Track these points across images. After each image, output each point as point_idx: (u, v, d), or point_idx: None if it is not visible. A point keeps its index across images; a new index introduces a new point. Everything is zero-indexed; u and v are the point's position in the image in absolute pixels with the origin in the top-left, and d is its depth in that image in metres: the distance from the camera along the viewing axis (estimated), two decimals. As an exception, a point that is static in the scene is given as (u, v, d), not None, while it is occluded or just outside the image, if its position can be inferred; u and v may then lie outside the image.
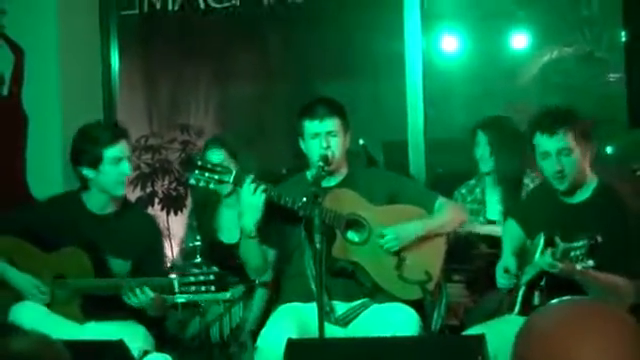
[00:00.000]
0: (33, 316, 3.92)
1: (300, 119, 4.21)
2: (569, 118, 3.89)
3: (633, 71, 5.56)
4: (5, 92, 6.02)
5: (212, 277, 3.91)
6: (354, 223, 4.14)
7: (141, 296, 3.98)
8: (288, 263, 4.25)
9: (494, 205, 5.06)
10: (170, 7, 6.45)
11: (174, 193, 6.34)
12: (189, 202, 5.69)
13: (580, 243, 3.50)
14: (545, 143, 3.87)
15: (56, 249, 4.13)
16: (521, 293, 3.93)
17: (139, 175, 6.17)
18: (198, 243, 4.19)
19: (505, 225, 4.36)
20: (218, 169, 4.08)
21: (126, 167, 4.18)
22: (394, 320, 3.93)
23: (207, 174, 4.05)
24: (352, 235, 4.14)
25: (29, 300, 4.08)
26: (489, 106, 6.24)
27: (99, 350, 3.49)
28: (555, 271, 3.64)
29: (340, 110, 4.21)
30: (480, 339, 3.31)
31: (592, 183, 3.94)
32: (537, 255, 3.83)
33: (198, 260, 4.07)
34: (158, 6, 6.46)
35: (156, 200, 6.31)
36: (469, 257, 5.06)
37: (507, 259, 4.07)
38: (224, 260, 4.36)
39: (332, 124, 4.15)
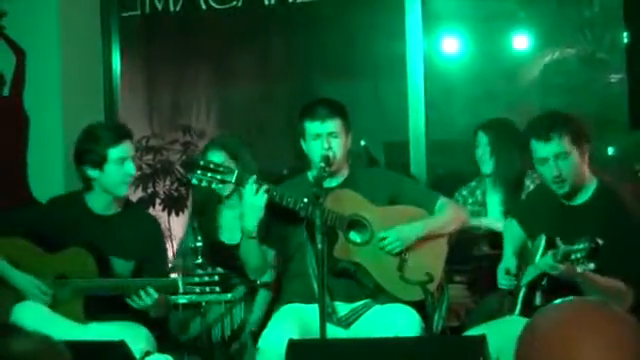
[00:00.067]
0: (35, 316, 3.92)
1: (301, 120, 4.21)
2: (563, 122, 3.87)
3: (634, 72, 5.55)
4: (6, 93, 6.02)
5: (217, 278, 3.93)
6: (356, 224, 4.13)
7: (146, 298, 3.99)
8: (290, 264, 4.25)
9: (495, 206, 5.06)
10: (171, 8, 6.45)
11: (175, 194, 6.34)
12: (190, 203, 5.68)
13: (581, 246, 3.50)
14: (541, 149, 3.86)
15: (59, 249, 4.13)
16: (522, 294, 3.93)
17: (140, 176, 6.17)
18: (199, 244, 4.19)
19: (506, 226, 4.36)
20: (220, 169, 4.08)
21: (130, 167, 4.20)
22: (395, 321, 3.93)
23: (209, 174, 4.05)
24: (354, 236, 4.13)
25: (31, 300, 4.07)
26: (490, 107, 6.24)
27: (101, 351, 3.48)
28: (556, 273, 3.65)
29: (341, 111, 4.21)
30: (481, 340, 3.30)
31: (592, 184, 3.93)
32: (538, 256, 3.84)
33: (199, 261, 4.07)
34: (159, 7, 6.46)
35: (157, 201, 6.31)
36: (470, 258, 5.06)
37: (508, 260, 4.07)
38: (225, 261, 4.36)
39: (333, 125, 4.14)
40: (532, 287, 3.89)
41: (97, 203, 4.24)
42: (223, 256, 4.55)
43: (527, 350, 1.69)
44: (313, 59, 7.11)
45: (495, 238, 4.73)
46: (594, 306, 1.72)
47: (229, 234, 4.78)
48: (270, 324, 4.02)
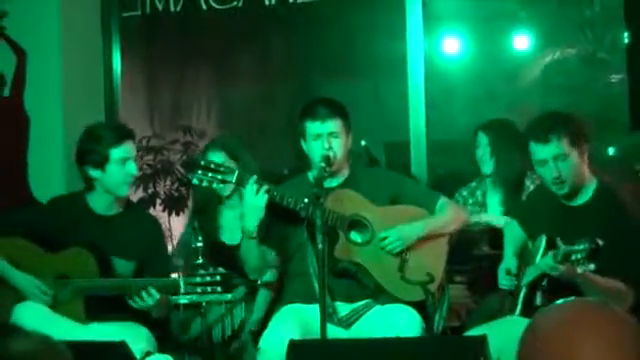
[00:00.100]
0: (35, 316, 3.92)
1: (302, 120, 4.20)
2: (562, 123, 3.86)
3: (635, 72, 5.55)
4: (7, 93, 6.02)
5: (218, 278, 3.93)
6: (356, 224, 4.13)
7: (148, 299, 3.99)
8: (290, 264, 4.25)
9: (495, 207, 5.07)
10: (172, 8, 6.45)
11: (176, 194, 6.34)
12: (191, 203, 5.68)
13: (581, 247, 3.50)
14: (540, 151, 3.85)
15: (60, 249, 4.14)
16: (522, 294, 3.93)
17: (141, 176, 6.17)
18: (200, 244, 4.19)
19: (507, 226, 4.36)
20: (221, 169, 4.07)
21: (132, 167, 4.20)
22: (396, 321, 3.93)
23: (210, 174, 4.05)
24: (355, 236, 4.13)
25: (31, 300, 4.07)
26: (491, 107, 6.25)
27: (101, 351, 3.48)
28: (556, 274, 3.64)
29: (342, 111, 4.21)
30: (482, 340, 3.30)
31: (592, 185, 3.93)
32: (538, 257, 3.84)
33: (200, 261, 4.06)
34: (160, 7, 6.45)
35: (158, 201, 6.31)
36: (471, 258, 5.06)
37: (509, 260, 4.07)
38: (225, 261, 4.35)
39: (334, 125, 4.14)
40: (533, 287, 3.89)
41: (98, 203, 4.24)
42: (224, 256, 4.55)
43: (529, 350, 1.69)
44: (314, 59, 7.11)
45: (495, 238, 4.73)
46: (595, 306, 1.72)
47: (230, 234, 4.78)
48: (271, 324, 4.02)
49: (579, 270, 3.51)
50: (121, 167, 4.16)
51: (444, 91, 6.42)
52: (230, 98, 7.15)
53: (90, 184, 4.22)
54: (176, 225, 6.07)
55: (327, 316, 3.72)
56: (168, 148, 6.50)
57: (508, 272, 4.00)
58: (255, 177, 4.03)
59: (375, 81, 6.95)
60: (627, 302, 3.65)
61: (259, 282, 4.59)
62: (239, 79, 7.09)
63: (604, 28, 6.30)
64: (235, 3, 6.32)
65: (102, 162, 4.14)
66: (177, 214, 6.25)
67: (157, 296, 3.99)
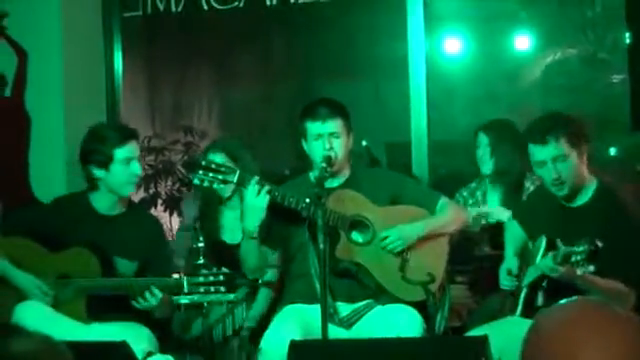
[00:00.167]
0: (36, 316, 3.92)
1: (302, 120, 4.20)
2: (560, 124, 3.86)
3: (636, 72, 5.55)
4: (8, 93, 6.03)
5: (222, 278, 3.94)
6: (358, 224, 4.13)
7: (151, 299, 3.99)
8: (292, 264, 4.25)
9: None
10: (173, 8, 6.45)
11: (177, 194, 6.35)
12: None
13: (581, 248, 3.49)
14: (539, 152, 3.85)
15: (63, 249, 4.14)
16: (523, 294, 3.93)
17: (142, 176, 6.17)
18: (201, 244, 4.19)
19: (507, 226, 4.36)
20: (222, 169, 4.07)
21: (136, 167, 4.21)
22: (397, 322, 3.93)
23: (211, 174, 4.05)
24: (356, 236, 4.13)
25: (32, 300, 4.08)
26: (492, 108, 6.25)
27: (102, 351, 3.49)
28: (555, 275, 3.64)
29: (342, 111, 4.20)
30: (483, 340, 3.30)
31: (592, 185, 3.92)
32: (539, 257, 3.84)
33: (201, 261, 4.07)
34: (161, 7, 6.46)
35: (159, 201, 6.32)
36: (472, 258, 5.06)
37: (510, 260, 4.07)
38: (227, 261, 4.35)
39: (335, 125, 4.14)
40: (533, 288, 3.88)
41: (102, 203, 4.25)
42: (225, 256, 4.55)
43: (532, 350, 1.69)
44: (315, 60, 7.11)
45: (496, 238, 4.73)
46: (597, 306, 1.72)
47: (231, 234, 4.78)
48: (272, 325, 4.02)
49: (579, 271, 3.51)
50: (125, 167, 4.17)
51: (445, 91, 6.42)
52: (231, 98, 7.15)
53: (93, 184, 4.23)
54: (177, 225, 6.07)
55: (328, 316, 3.72)
56: (169, 148, 6.51)
57: (509, 272, 4.00)
58: (257, 178, 4.03)
59: (376, 81, 6.95)
60: (629, 303, 3.64)
61: (260, 282, 4.60)
62: (240, 79, 7.09)
63: (605, 28, 6.30)
64: (236, 3, 6.32)
65: (106, 162, 4.15)
66: (178, 214, 6.26)
67: (160, 296, 3.99)
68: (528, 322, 1.81)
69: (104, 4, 6.39)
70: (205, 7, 6.39)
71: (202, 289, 3.96)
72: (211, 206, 4.87)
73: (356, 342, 3.87)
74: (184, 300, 4.08)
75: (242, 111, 7.14)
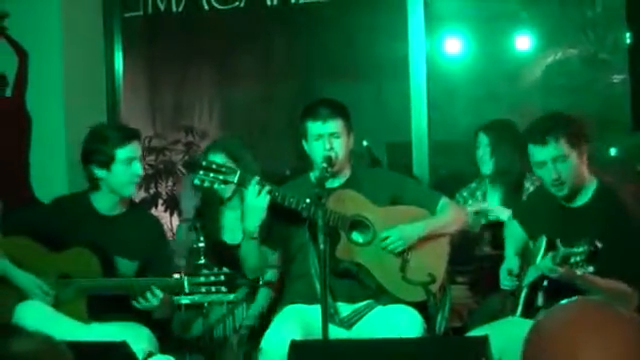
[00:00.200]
0: (37, 316, 3.92)
1: (303, 120, 4.20)
2: (560, 124, 3.85)
3: (637, 73, 5.55)
4: (9, 93, 6.03)
5: (223, 278, 3.94)
6: (358, 224, 4.13)
7: (152, 299, 4.00)
8: (292, 264, 4.25)
9: (495, 208, 5.06)
10: (174, 9, 6.45)
11: (177, 194, 6.35)
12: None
13: (580, 249, 3.49)
14: (538, 153, 3.84)
15: (64, 249, 4.14)
16: (524, 295, 3.93)
17: (143, 176, 6.18)
18: (202, 244, 4.20)
19: (508, 226, 4.36)
20: (223, 169, 4.07)
21: (138, 168, 4.22)
22: (398, 322, 3.93)
23: (212, 174, 4.05)
24: (356, 236, 4.13)
25: (33, 299, 4.08)
26: (492, 108, 6.25)
27: (103, 351, 3.49)
28: (555, 276, 3.64)
29: (343, 111, 4.20)
30: (484, 340, 3.30)
31: (592, 185, 3.92)
32: (539, 257, 3.83)
33: (202, 261, 4.07)
34: (162, 8, 6.46)
35: (159, 201, 6.32)
36: (472, 259, 5.06)
37: (511, 260, 4.07)
38: (227, 261, 4.36)
39: (335, 125, 4.14)
40: (534, 288, 3.88)
41: (103, 203, 4.25)
42: (225, 256, 4.55)
43: (534, 350, 1.70)
44: (315, 60, 7.11)
45: (497, 239, 4.73)
46: (599, 307, 1.72)
47: (231, 235, 4.78)
48: (273, 324, 4.02)
49: (578, 272, 3.50)
50: (127, 167, 4.17)
51: (446, 91, 6.42)
52: (232, 98, 7.15)
53: (95, 184, 4.23)
54: (176, 225, 6.07)
55: (329, 316, 3.72)
56: (170, 148, 6.51)
57: (510, 272, 4.00)
58: (257, 178, 4.03)
59: (377, 82, 6.95)
60: (632, 304, 3.64)
61: (261, 282, 4.60)
62: (241, 79, 7.09)
63: (606, 28, 6.30)
64: (237, 3, 6.32)
65: (108, 162, 4.16)
66: (179, 214, 6.26)
67: (161, 296, 4.00)
68: (528, 322, 1.81)
69: (105, 4, 6.40)
70: (206, 7, 6.40)
71: (203, 289, 3.96)
72: (212, 207, 4.87)
73: (356, 342, 3.87)
74: (185, 300, 4.08)
75: (243, 111, 7.14)
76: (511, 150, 4.92)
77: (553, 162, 3.81)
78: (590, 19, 6.39)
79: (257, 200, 3.98)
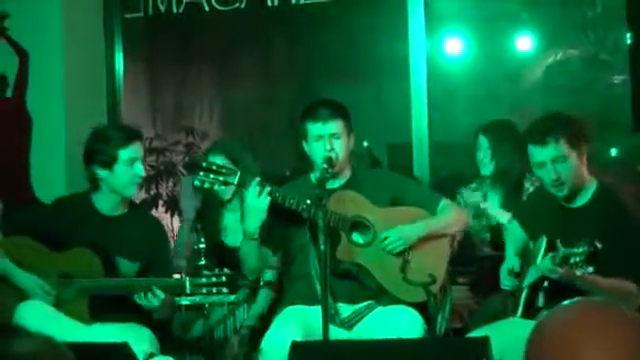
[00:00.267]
0: (38, 316, 3.92)
1: (303, 121, 4.20)
2: (560, 124, 3.85)
3: (637, 73, 5.56)
4: (9, 94, 6.03)
5: (224, 279, 3.94)
6: (358, 225, 4.13)
7: (153, 300, 3.99)
8: (292, 265, 4.25)
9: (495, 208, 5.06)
10: (174, 10, 6.45)
11: (178, 195, 6.35)
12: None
13: (580, 249, 3.49)
14: (538, 154, 3.84)
15: (65, 249, 4.14)
16: (524, 295, 3.92)
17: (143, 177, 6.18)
18: (202, 245, 4.20)
19: (508, 226, 4.36)
20: (223, 170, 4.07)
21: (140, 168, 4.22)
22: (398, 323, 3.92)
23: (212, 175, 4.05)
24: (357, 237, 4.13)
25: (34, 299, 4.08)
26: (493, 108, 6.25)
27: (104, 352, 3.49)
28: (555, 276, 3.64)
29: (343, 112, 4.20)
30: (484, 341, 3.30)
31: (591, 186, 3.92)
32: (539, 258, 3.83)
33: (203, 262, 4.07)
34: (162, 9, 6.46)
35: (160, 202, 6.32)
36: (473, 259, 5.06)
37: (511, 260, 4.06)
38: (227, 263, 4.36)
39: (335, 126, 4.14)
40: (534, 288, 3.88)
41: (104, 204, 4.26)
42: (226, 258, 4.55)
43: (536, 351, 1.70)
44: (316, 60, 7.12)
45: (497, 239, 4.73)
46: (601, 307, 1.72)
47: (232, 237, 4.78)
48: (273, 326, 4.01)
49: (578, 273, 3.50)
50: (129, 168, 4.18)
51: (446, 92, 6.43)
52: (232, 99, 7.16)
53: (96, 184, 4.23)
54: (178, 226, 6.07)
55: (329, 317, 3.72)
56: (170, 149, 6.51)
57: (510, 272, 3.99)
58: (258, 179, 4.03)
59: (377, 82, 6.95)
60: (636, 303, 3.63)
61: (261, 283, 4.60)
62: (241, 80, 7.10)
63: (606, 29, 6.30)
64: (237, 4, 6.32)
65: (110, 162, 4.16)
66: (179, 215, 6.26)
67: (162, 296, 4.00)
68: (529, 323, 1.81)
69: (105, 5, 6.40)
70: (206, 8, 6.39)
71: (204, 290, 3.97)
72: (212, 209, 4.87)
73: (357, 343, 3.87)
74: (186, 301, 4.08)
75: (243, 112, 7.14)
76: (511, 150, 4.92)
77: (553, 163, 3.80)
78: (590, 19, 6.39)
79: (257, 201, 3.97)
